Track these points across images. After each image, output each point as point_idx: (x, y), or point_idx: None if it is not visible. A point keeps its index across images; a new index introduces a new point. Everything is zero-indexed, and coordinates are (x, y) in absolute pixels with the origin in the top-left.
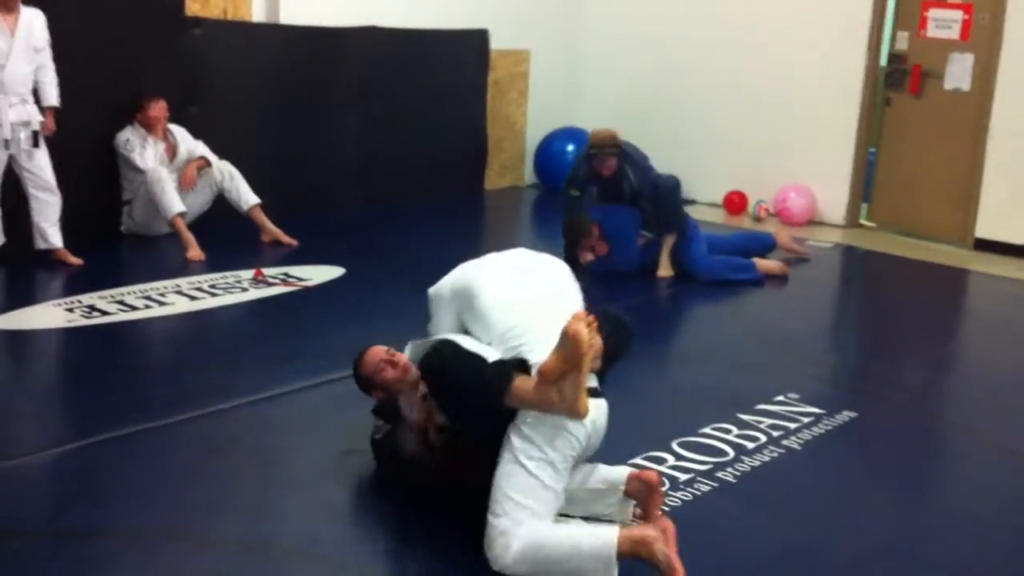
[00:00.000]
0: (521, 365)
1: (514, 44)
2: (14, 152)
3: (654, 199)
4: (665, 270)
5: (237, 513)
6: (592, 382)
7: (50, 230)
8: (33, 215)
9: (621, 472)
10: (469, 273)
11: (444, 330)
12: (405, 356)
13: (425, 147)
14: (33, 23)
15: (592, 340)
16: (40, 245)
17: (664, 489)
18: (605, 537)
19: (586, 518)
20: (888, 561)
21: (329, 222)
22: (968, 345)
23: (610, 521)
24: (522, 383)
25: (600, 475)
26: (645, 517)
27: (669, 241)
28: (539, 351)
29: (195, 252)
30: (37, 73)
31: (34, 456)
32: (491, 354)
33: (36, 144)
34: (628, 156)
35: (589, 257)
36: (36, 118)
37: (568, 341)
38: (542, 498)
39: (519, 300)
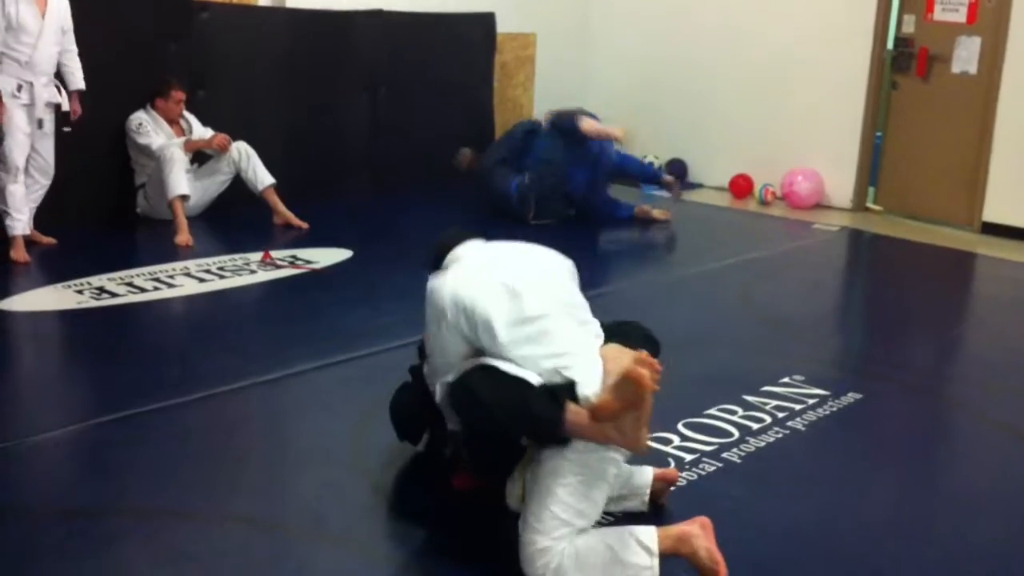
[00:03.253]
0: (570, 389)
1: (521, 27)
2: (47, 131)
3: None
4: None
5: (245, 493)
6: None
7: (31, 212)
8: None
9: (646, 476)
10: (473, 297)
11: (453, 352)
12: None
13: (432, 130)
14: (61, 5)
15: (655, 385)
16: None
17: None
18: (645, 541)
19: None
20: (892, 540)
21: (336, 204)
22: (974, 328)
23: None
24: (575, 417)
25: (624, 479)
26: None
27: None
28: (581, 370)
29: (184, 237)
30: (62, 56)
31: (43, 436)
32: (531, 377)
33: (68, 124)
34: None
35: None
36: (63, 98)
37: (629, 385)
38: (585, 514)
39: (539, 320)
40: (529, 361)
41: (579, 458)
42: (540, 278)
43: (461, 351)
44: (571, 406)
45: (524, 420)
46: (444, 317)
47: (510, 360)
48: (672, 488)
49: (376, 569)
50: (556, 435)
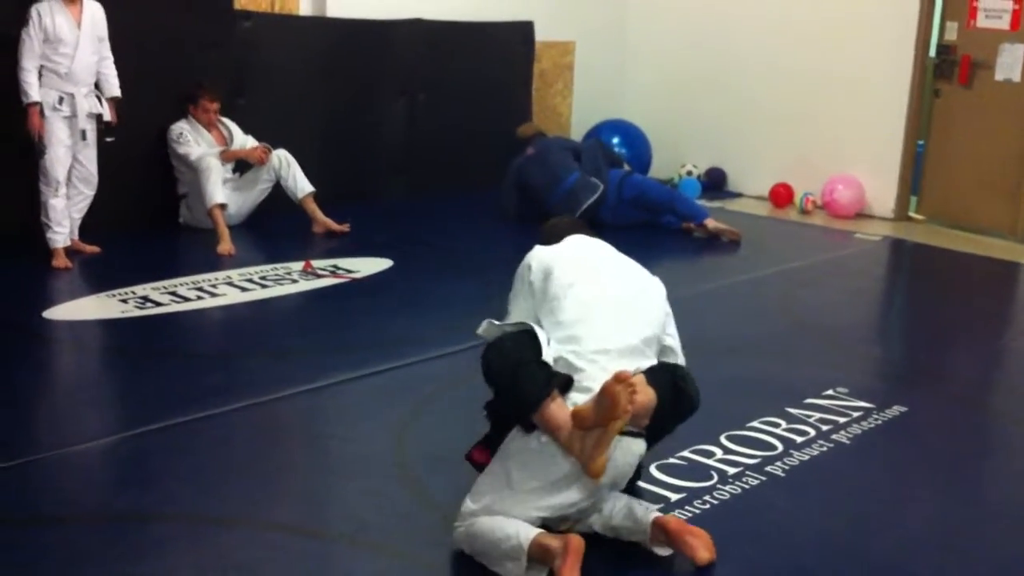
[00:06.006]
0: (567, 384)
1: (559, 36)
2: (90, 141)
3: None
4: None
5: (287, 500)
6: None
7: (77, 221)
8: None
9: (646, 515)
10: (559, 264)
11: (521, 313)
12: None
13: (471, 139)
14: (96, 13)
15: (628, 407)
16: None
17: (708, 484)
18: (521, 539)
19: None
20: (936, 554)
21: (376, 213)
22: (1019, 339)
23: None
24: (555, 410)
25: (627, 512)
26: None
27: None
28: (591, 377)
29: (226, 246)
30: (99, 64)
31: (89, 444)
32: (549, 356)
33: (110, 134)
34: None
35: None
36: (104, 108)
37: (604, 400)
38: (510, 502)
39: (596, 314)
40: (568, 345)
41: (523, 455)
42: (618, 304)
43: (528, 315)
44: (558, 399)
45: (509, 386)
46: (526, 274)
47: (552, 327)
48: (714, 501)
49: None
50: (527, 416)
